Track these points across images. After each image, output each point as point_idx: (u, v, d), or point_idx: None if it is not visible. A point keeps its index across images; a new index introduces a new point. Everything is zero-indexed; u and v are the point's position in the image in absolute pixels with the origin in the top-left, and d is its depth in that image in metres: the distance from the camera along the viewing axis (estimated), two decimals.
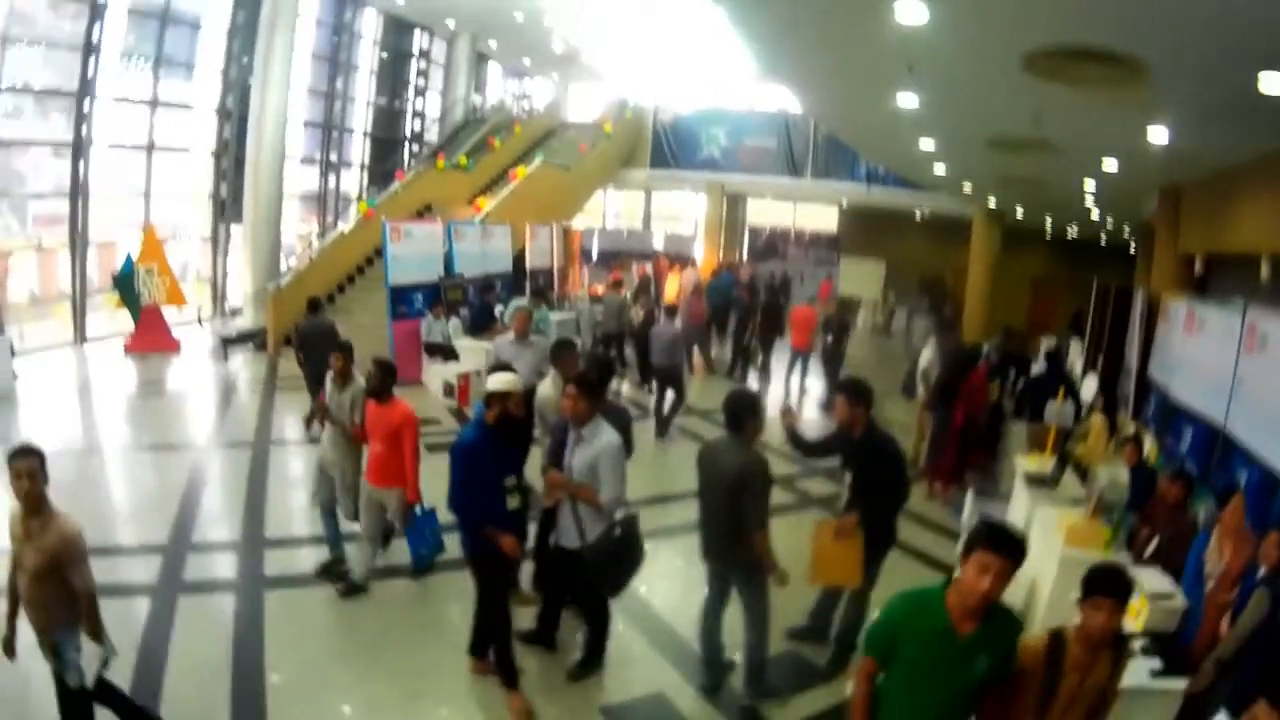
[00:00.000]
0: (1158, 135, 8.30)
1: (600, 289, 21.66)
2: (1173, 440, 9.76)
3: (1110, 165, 11.05)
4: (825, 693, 6.23)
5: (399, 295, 15.99)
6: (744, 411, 5.62)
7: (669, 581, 7.99)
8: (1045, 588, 6.72)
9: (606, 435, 5.65)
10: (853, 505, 6.29)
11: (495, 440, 5.54)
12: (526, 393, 6.45)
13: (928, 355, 12.03)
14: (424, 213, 21.41)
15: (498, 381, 5.63)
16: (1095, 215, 18.87)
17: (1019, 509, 8.64)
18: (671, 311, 14.20)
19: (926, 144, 12.23)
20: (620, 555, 5.73)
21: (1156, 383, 11.14)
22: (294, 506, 9.41)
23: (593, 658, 6.36)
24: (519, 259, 20.30)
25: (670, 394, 13.07)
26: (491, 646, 5.94)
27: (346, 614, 7.04)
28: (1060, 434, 9.53)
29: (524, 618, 6.56)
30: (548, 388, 7.22)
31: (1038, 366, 14.16)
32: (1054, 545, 6.80)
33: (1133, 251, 26.35)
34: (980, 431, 10.96)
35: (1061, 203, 17.28)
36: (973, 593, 3.31)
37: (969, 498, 7.69)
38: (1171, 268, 12.52)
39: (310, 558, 7.86)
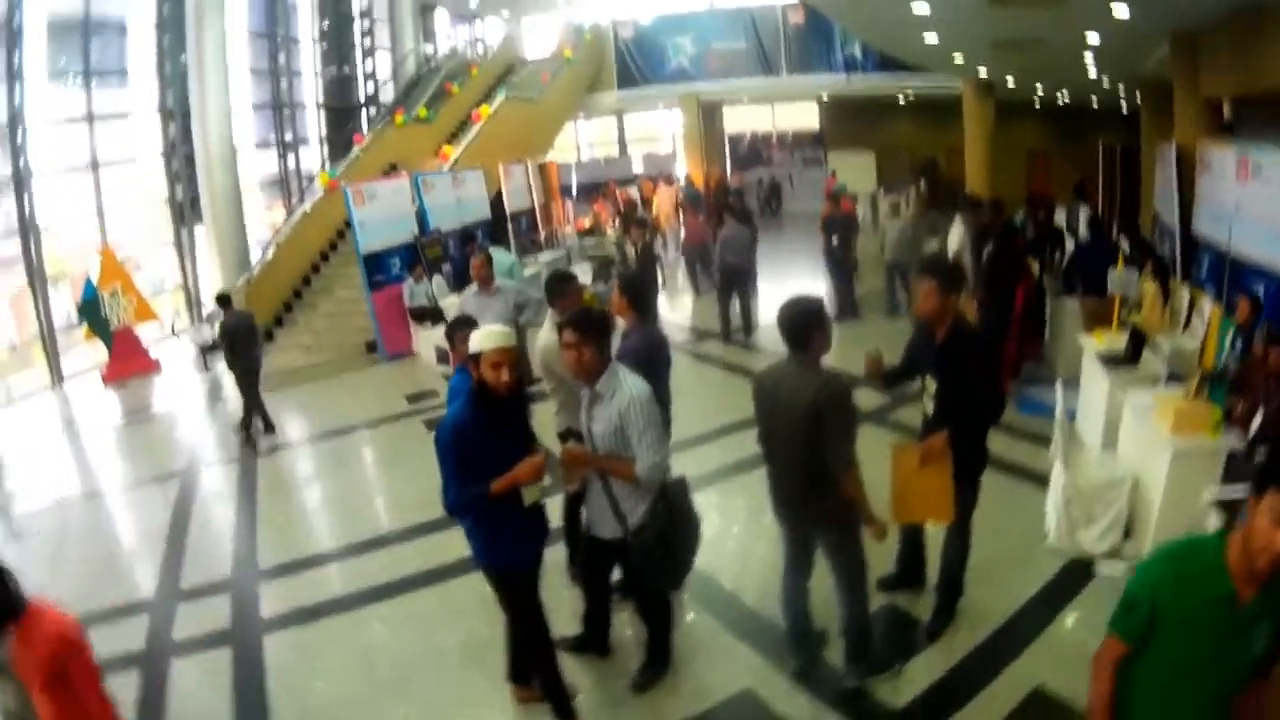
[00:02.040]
0: None
1: (586, 223, 20.99)
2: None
3: (1121, 11, 10.26)
4: (939, 655, 5.20)
5: (374, 262, 15.13)
6: (808, 325, 4.44)
7: (735, 544, 6.98)
8: (1156, 486, 5.96)
9: (629, 385, 4.51)
10: (938, 423, 4.97)
11: (488, 416, 4.24)
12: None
13: (956, 238, 11.19)
14: (390, 172, 20.33)
15: (481, 339, 4.23)
16: (1093, 75, 17.99)
17: (1097, 395, 7.94)
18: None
19: (921, 8, 11.36)
20: (671, 538, 4.61)
21: (1206, 240, 10.35)
22: (286, 522, 8.63)
23: (658, 660, 5.22)
24: (497, 203, 19.47)
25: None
26: (534, 669, 4.87)
27: (360, 645, 6.05)
28: (1124, 305, 8.82)
29: (565, 619, 5.36)
30: (547, 334, 5.87)
31: (1079, 235, 13.41)
32: (1157, 434, 6.02)
33: (1126, 112, 25.78)
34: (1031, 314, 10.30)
35: (1060, 64, 16.37)
36: (1267, 550, 2.42)
37: (1058, 389, 6.80)
38: (1194, 116, 11.64)
39: (312, 584, 7.06)
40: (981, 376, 4.89)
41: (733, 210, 14.93)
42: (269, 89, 23.40)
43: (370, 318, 14.98)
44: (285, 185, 23.93)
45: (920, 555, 5.80)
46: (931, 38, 14.42)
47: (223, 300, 11.60)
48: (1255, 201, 8.65)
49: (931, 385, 5.11)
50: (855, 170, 29.22)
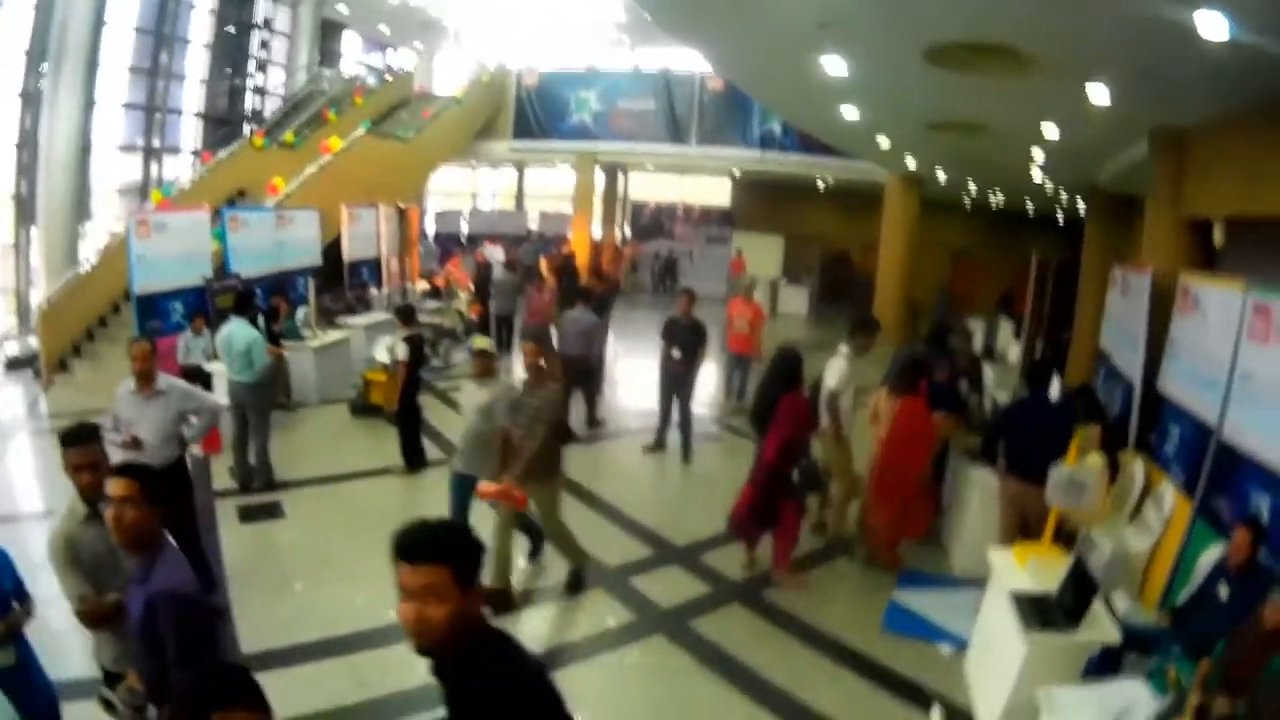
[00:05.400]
0: None
1: (441, 280, 18.20)
2: (1234, 510, 6.05)
3: (1099, 95, 7.89)
4: None
5: (150, 306, 12.22)
6: None
7: None
8: None
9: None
10: None
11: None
12: (159, 475, 3.70)
13: (836, 373, 8.18)
14: (236, 199, 17.89)
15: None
16: (1038, 178, 15.71)
17: (1004, 655, 5.27)
18: None
19: (837, 66, 8.65)
20: None
21: (1179, 405, 7.46)
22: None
23: None
24: (336, 250, 16.79)
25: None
26: None
27: None
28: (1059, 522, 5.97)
29: None
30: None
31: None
32: None
33: (1063, 223, 23.99)
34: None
35: (1003, 159, 14.07)
36: None
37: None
38: (1173, 237, 9.01)
39: None
40: None
41: (582, 293, 12.45)
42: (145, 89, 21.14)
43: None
44: (144, 194, 21.10)
45: None
46: (853, 113, 11.70)
47: None
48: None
49: None
50: (762, 253, 27.51)
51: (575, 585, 7.00)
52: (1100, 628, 4.96)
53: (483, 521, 6.35)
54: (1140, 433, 8.13)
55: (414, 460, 9.82)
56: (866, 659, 6.11)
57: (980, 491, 7.50)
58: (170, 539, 3.63)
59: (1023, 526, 6.71)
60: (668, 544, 8.04)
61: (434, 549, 2.34)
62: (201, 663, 3.25)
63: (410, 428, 9.85)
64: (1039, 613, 5.05)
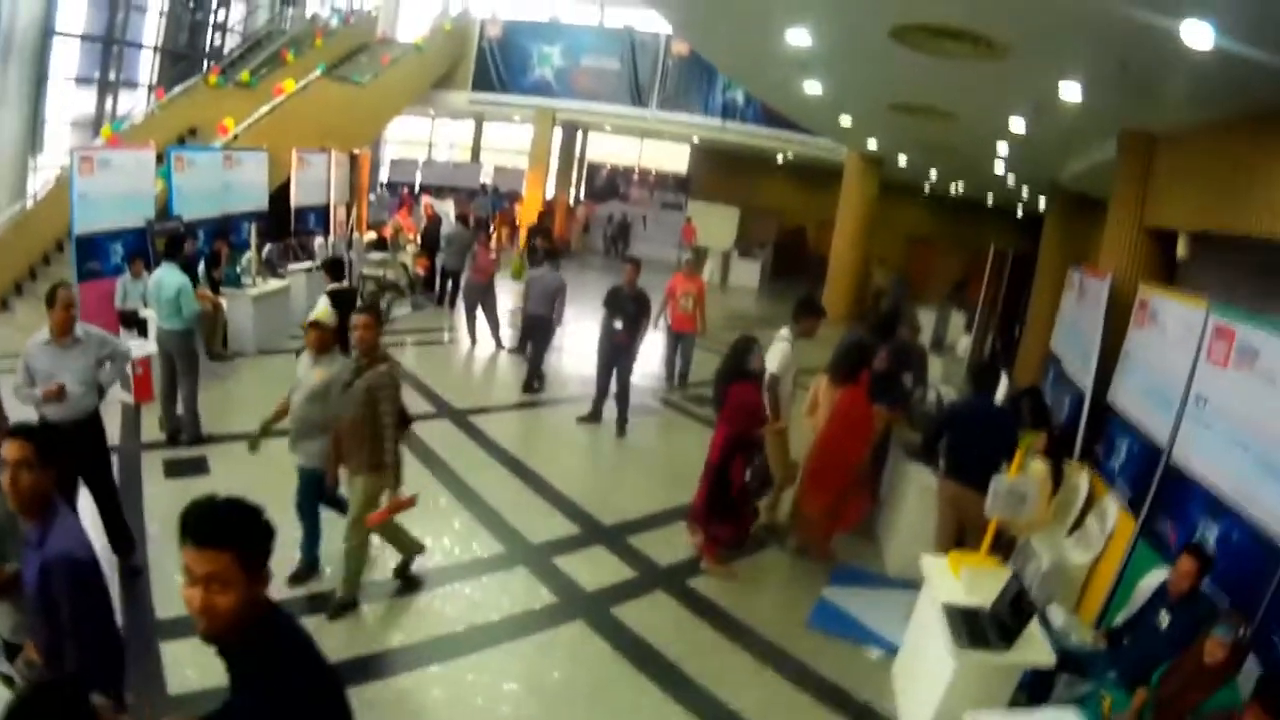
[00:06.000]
0: None
1: (389, 230, 17.69)
2: (1178, 534, 5.87)
3: (1071, 92, 7.64)
4: None
5: (89, 247, 11.47)
6: None
7: None
8: None
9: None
10: None
11: None
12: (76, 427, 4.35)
13: (778, 357, 7.86)
14: (188, 138, 17.06)
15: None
16: (1000, 170, 15.53)
17: (933, 668, 5.05)
18: None
19: (800, 37, 8.33)
20: None
21: (1129, 419, 7.28)
22: None
23: None
24: (283, 195, 16.27)
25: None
26: None
27: None
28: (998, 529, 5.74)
29: None
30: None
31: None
32: None
33: (1021, 215, 23.97)
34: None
35: (967, 150, 13.92)
36: None
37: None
38: (1132, 244, 8.82)
39: None
40: None
41: (550, 253, 12.60)
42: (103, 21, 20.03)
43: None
44: (98, 129, 19.77)
45: None
46: (816, 88, 11.37)
47: None
48: (1238, 398, 5.50)
49: None
50: (716, 223, 27.38)
51: (407, 578, 6.37)
52: (1034, 648, 4.77)
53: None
54: (1087, 443, 7.98)
55: None
56: (790, 657, 5.90)
57: (918, 490, 7.30)
58: (64, 503, 3.47)
59: (959, 530, 6.52)
60: (595, 522, 7.74)
61: (220, 532, 2.20)
62: (98, 631, 3.21)
63: None
64: (970, 628, 4.85)
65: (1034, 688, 4.97)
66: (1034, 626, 4.80)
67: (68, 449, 3.61)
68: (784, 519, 7.91)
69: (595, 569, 6.89)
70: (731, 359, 7.05)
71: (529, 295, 11.69)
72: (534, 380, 11.77)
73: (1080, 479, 7.50)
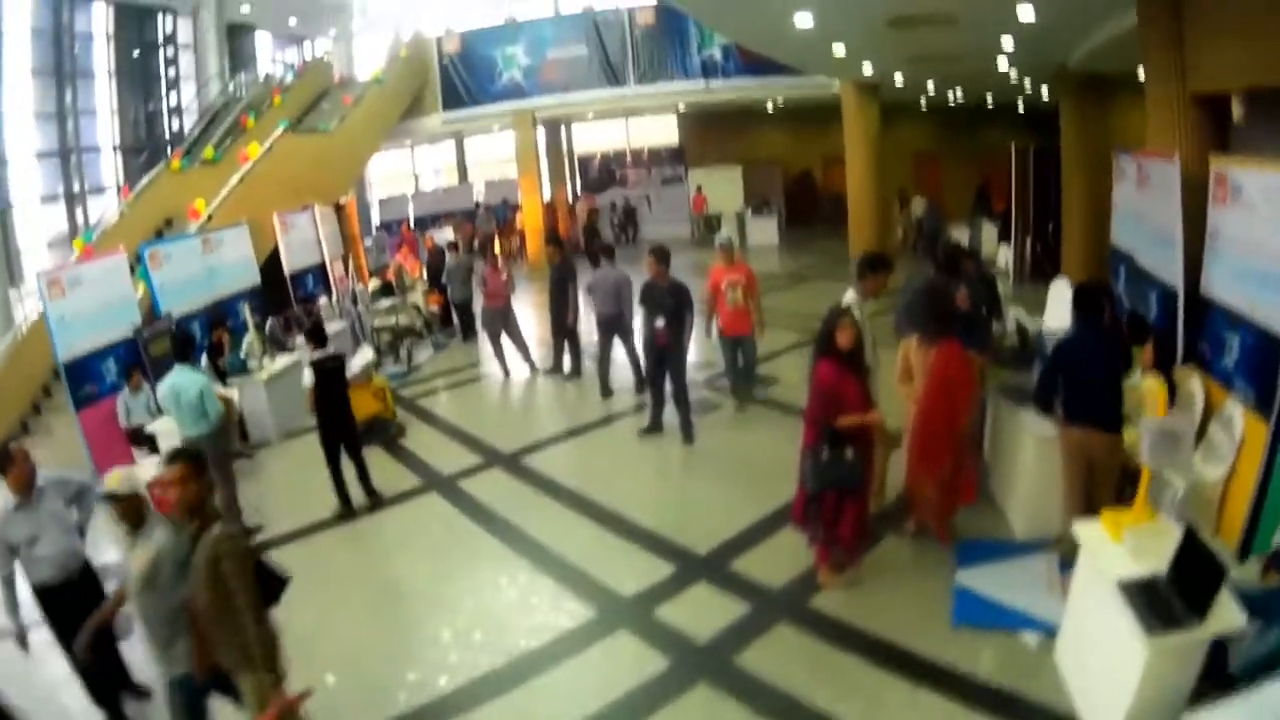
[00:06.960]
0: None
1: (391, 273, 17.19)
2: None
3: None
4: None
5: (80, 371, 10.83)
6: None
7: None
8: None
9: None
10: None
11: None
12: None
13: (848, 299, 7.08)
14: (165, 230, 16.55)
15: None
16: (1004, 66, 14.76)
17: (1111, 654, 4.43)
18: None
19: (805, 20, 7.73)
20: None
21: (1231, 309, 6.57)
22: None
23: None
24: (277, 262, 15.72)
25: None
26: None
27: None
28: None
29: None
30: None
31: (1055, 319, 9.11)
32: None
33: (1023, 111, 23.40)
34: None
35: (971, 50, 13.11)
36: None
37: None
38: (1184, 118, 7.96)
39: None
40: None
41: (606, 250, 12.37)
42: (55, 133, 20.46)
43: (82, 444, 10.55)
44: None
45: None
46: (807, 20, 10.69)
47: None
48: None
49: None
50: (721, 186, 27.12)
51: None
52: (1224, 613, 4.07)
53: None
54: (1189, 344, 7.23)
55: (344, 506, 8.66)
56: (944, 670, 5.19)
57: (1034, 441, 6.51)
58: None
59: (1090, 478, 5.80)
60: (688, 554, 7.01)
61: None
62: None
63: (332, 465, 8.68)
64: (1155, 605, 4.15)
65: (1212, 652, 4.22)
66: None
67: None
68: (892, 501, 7.24)
69: (703, 612, 6.16)
70: (820, 332, 6.22)
71: (596, 299, 11.36)
72: (640, 384, 11.34)
73: (1193, 385, 6.79)
